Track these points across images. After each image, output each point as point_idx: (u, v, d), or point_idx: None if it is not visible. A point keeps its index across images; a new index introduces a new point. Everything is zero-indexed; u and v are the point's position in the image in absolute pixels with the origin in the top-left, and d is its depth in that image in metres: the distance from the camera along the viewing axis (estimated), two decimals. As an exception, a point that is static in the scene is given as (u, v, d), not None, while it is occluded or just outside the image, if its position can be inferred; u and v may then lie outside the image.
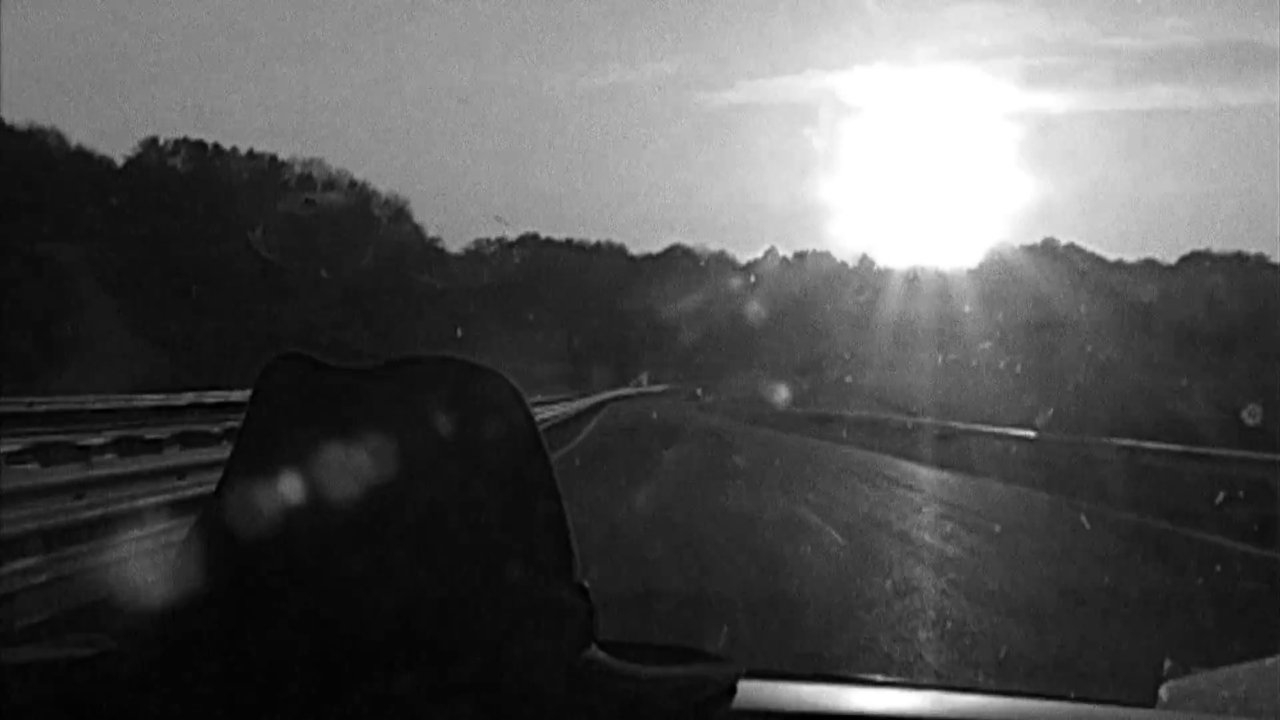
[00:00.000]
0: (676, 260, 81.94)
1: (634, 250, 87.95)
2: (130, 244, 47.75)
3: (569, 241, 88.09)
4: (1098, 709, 1.02)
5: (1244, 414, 9.50)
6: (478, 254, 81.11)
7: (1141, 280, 41.80)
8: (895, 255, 74.65)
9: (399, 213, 71.90)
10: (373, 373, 0.78)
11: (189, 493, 7.86)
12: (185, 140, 71.43)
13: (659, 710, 0.78)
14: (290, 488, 0.73)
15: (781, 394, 35.86)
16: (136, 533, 7.31)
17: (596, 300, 74.47)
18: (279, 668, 0.70)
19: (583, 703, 0.74)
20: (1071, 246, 55.29)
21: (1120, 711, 1.01)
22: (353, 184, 71.39)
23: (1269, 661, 1.28)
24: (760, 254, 77.47)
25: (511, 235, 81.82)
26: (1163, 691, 1.24)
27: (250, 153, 72.21)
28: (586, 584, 0.79)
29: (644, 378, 55.84)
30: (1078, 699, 1.08)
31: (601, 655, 0.78)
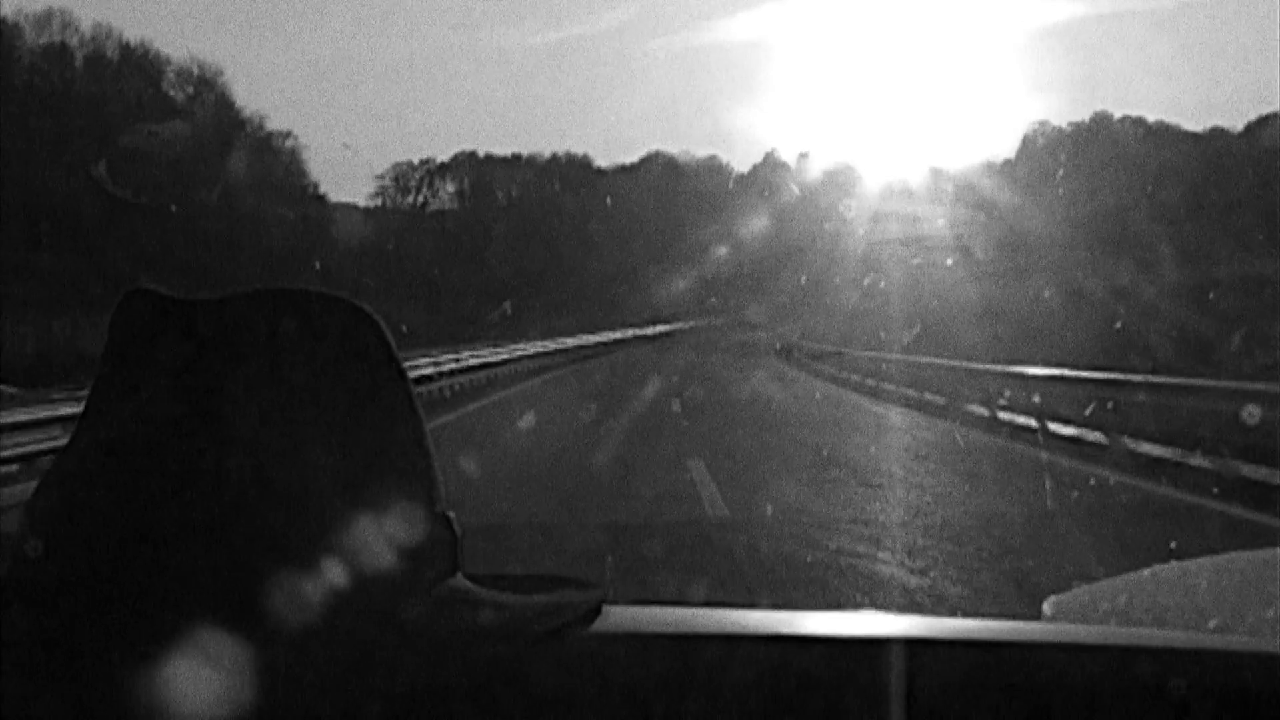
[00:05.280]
0: (657, 170, 66.86)
1: (602, 162, 73.31)
2: None
3: (516, 156, 70.26)
4: (984, 623, 1.03)
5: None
6: (402, 184, 65.53)
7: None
8: (915, 155, 67.84)
9: (204, 83, 51.80)
10: (225, 303, 0.77)
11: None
12: None
13: (522, 635, 0.79)
14: (148, 424, 0.72)
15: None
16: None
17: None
18: (140, 608, 0.67)
19: (445, 630, 0.75)
20: (1128, 119, 51.03)
21: (1006, 625, 1.02)
22: (128, 46, 49.53)
23: (1146, 572, 1.34)
24: (760, 157, 67.00)
25: (441, 156, 67.02)
26: (1046, 606, 1.28)
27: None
28: (450, 513, 0.78)
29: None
30: (964, 615, 1.09)
31: (465, 583, 0.79)
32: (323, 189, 60.89)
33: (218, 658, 0.67)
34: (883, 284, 35.17)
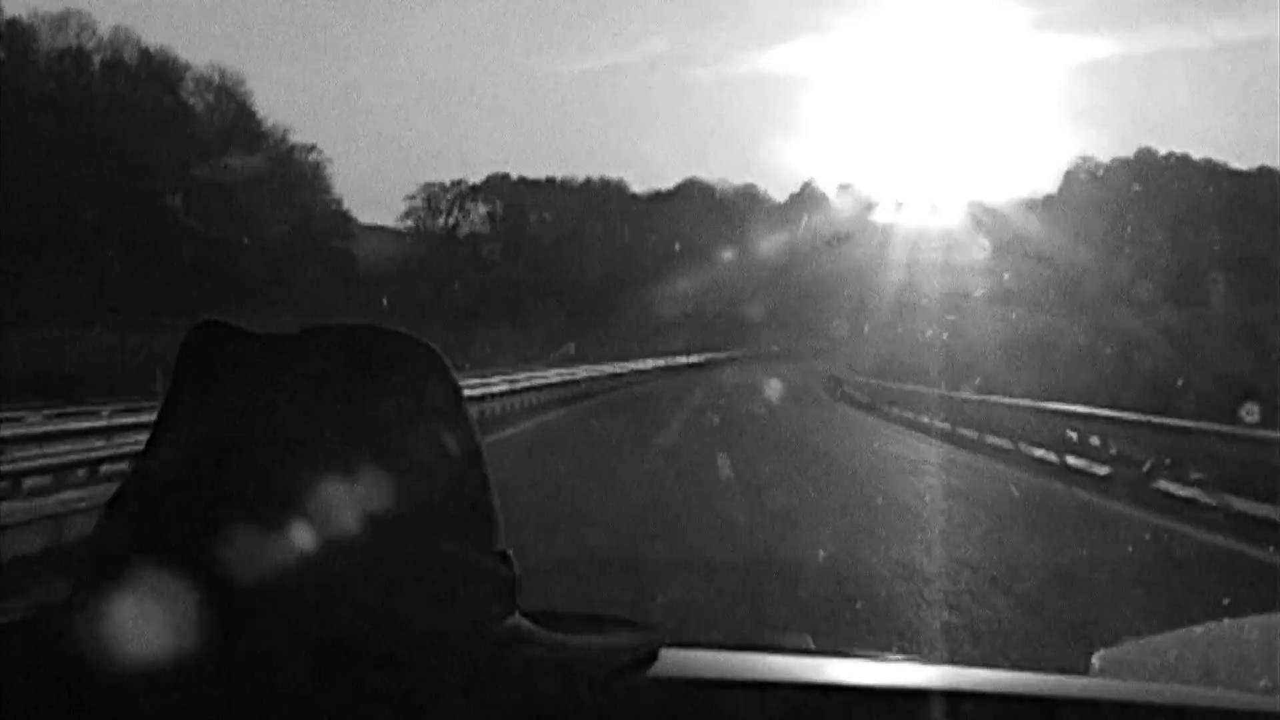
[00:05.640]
0: (693, 197, 64.63)
1: (637, 188, 70.32)
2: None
3: (550, 180, 68.14)
4: (1028, 676, 1.02)
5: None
6: (433, 206, 63.84)
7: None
8: (956, 190, 65.16)
9: (225, 92, 47.79)
10: (294, 339, 0.78)
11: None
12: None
13: (579, 676, 0.79)
14: (214, 456, 0.72)
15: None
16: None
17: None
18: (209, 635, 0.69)
19: (503, 669, 0.74)
20: (1172, 155, 49.30)
21: (1051, 679, 1.01)
22: (147, 52, 45.35)
23: (1198, 629, 1.33)
24: (798, 188, 65.11)
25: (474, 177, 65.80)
26: (1095, 660, 1.27)
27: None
28: (509, 551, 0.79)
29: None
30: (1012, 668, 1.08)
31: (523, 622, 0.79)
32: (348, 206, 57.87)
33: (273, 686, 0.68)
34: (923, 320, 34.60)
